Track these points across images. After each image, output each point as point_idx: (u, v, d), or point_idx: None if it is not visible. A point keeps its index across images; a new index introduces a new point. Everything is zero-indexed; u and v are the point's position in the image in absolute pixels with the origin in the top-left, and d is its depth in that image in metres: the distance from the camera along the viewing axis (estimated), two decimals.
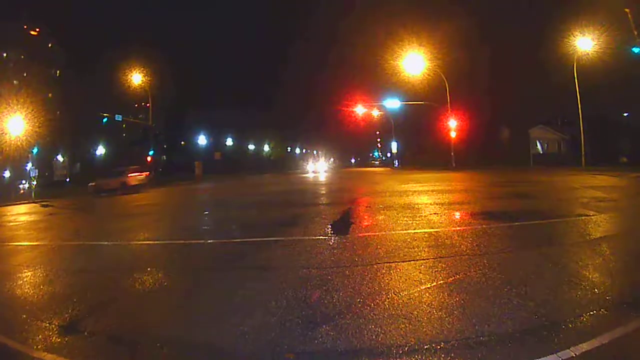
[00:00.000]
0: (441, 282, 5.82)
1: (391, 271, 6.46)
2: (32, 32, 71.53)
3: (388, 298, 5.29)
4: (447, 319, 4.59)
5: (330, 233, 10.10)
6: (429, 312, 4.81)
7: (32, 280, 7.47)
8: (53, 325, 5.18)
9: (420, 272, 6.31)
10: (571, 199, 14.53)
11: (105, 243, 11.27)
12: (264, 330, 4.63)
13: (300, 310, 5.13)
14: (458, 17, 51.65)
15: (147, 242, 11.19)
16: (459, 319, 4.58)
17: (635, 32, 30.91)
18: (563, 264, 6.50)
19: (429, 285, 5.68)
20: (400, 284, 5.81)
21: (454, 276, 6.03)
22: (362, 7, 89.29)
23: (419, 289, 5.55)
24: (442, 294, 5.35)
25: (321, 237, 9.69)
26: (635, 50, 31.78)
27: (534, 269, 6.28)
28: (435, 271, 6.34)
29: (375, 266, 6.81)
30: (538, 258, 6.87)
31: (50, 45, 73.59)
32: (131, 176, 37.19)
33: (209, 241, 10.76)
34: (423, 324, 4.49)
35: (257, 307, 5.35)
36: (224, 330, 4.76)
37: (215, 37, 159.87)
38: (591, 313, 4.65)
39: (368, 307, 5.04)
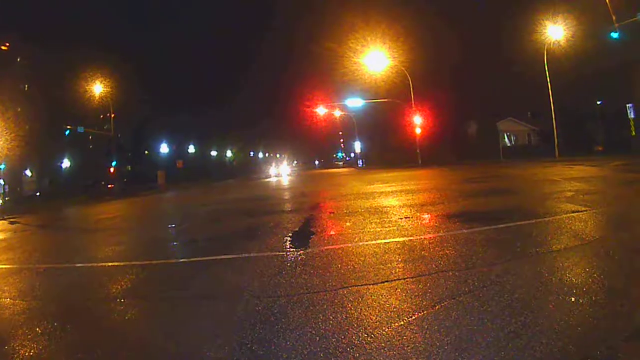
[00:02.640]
0: (425, 312, 4.54)
1: (361, 298, 5.18)
2: (3, 47, 69.52)
3: (358, 341, 3.99)
4: None
5: (290, 247, 8.80)
6: None
7: None
8: None
9: (397, 299, 5.06)
10: (554, 193, 13.52)
11: (51, 266, 9.90)
12: None
13: None
14: (421, 12, 51.34)
15: (89, 264, 9.68)
16: None
17: (614, 17, 30.55)
18: (569, 277, 5.34)
19: (410, 318, 4.40)
20: (374, 318, 4.52)
21: (440, 303, 4.77)
22: (322, 4, 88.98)
23: (398, 325, 4.27)
24: (428, 332, 4.07)
25: (279, 252, 8.39)
26: (614, 35, 31.42)
27: (536, 286, 5.08)
28: (416, 296, 5.08)
29: (340, 292, 5.51)
30: (537, 270, 5.67)
31: (19, 59, 71.64)
32: None
33: (156, 262, 9.37)
34: None
35: None
36: None
37: (175, 41, 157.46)
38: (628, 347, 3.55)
39: (333, 358, 3.75)
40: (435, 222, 10.33)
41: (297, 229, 11.04)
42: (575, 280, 5.18)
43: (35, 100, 61.94)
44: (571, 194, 12.54)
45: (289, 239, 9.77)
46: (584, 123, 41.32)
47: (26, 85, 71.07)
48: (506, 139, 52.81)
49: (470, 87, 48.51)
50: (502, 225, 8.95)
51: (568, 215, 9.36)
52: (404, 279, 5.82)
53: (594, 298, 4.54)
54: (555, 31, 36.26)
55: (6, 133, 42.72)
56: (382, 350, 3.80)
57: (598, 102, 43.14)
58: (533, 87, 40.43)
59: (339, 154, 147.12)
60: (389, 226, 9.96)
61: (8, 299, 6.97)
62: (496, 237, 8.05)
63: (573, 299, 4.55)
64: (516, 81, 42.68)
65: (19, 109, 60.28)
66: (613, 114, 39.46)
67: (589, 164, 25.18)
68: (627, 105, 34.27)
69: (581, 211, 9.59)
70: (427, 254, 7.01)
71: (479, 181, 20.86)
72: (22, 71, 69.71)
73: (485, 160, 41.47)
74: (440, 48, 49.09)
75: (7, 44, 69.87)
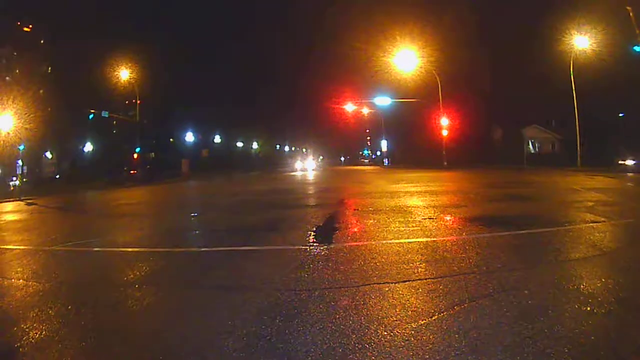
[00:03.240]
0: (444, 313, 4.63)
1: (381, 296, 5.28)
2: (25, 29, 70.35)
3: (377, 339, 4.09)
4: None
5: (313, 242, 8.90)
6: None
7: None
8: None
9: (417, 298, 5.14)
10: (575, 202, 13.47)
11: (68, 249, 10.08)
12: None
13: (263, 357, 3.93)
14: (452, 14, 50.89)
15: (108, 248, 9.97)
16: None
17: (638, 31, 30.22)
18: (586, 286, 5.37)
19: (429, 319, 4.49)
20: (394, 316, 4.62)
21: (460, 304, 4.85)
22: (352, 3, 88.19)
23: (417, 324, 4.37)
24: (447, 333, 4.15)
25: (301, 246, 8.48)
26: (637, 48, 31.06)
27: (554, 293, 5.13)
28: (436, 296, 5.17)
29: (362, 289, 5.62)
30: (555, 278, 5.69)
31: (42, 41, 72.46)
32: None
33: (177, 250, 9.53)
34: None
35: (207, 351, 4.15)
36: None
37: (203, 33, 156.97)
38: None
39: (351, 355, 3.84)
40: (458, 225, 10.34)
41: (320, 224, 11.12)
42: (592, 290, 5.21)
43: (58, 83, 62.52)
44: (591, 204, 12.47)
45: (312, 233, 9.85)
46: (608, 134, 40.85)
47: (49, 68, 71.81)
48: (530, 146, 52.32)
49: (498, 92, 48.13)
50: (523, 232, 8.97)
51: (588, 225, 9.35)
52: (425, 279, 5.91)
53: (608, 309, 4.58)
54: (582, 41, 36.01)
55: (25, 114, 42.60)
56: (401, 349, 3.89)
57: (620, 115, 42.70)
58: (558, 95, 40.11)
59: (365, 152, 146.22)
60: (413, 226, 10.02)
61: (21, 280, 7.14)
62: (517, 242, 8.10)
63: (588, 309, 4.59)
64: (542, 88, 42.26)
65: (41, 91, 61.02)
66: (637, 126, 38.95)
67: (609, 174, 24.93)
68: None
69: (600, 222, 9.58)
70: (448, 256, 7.08)
71: (501, 186, 20.74)
72: (45, 54, 70.49)
73: (509, 165, 41.06)
74: (471, 51, 48.62)
75: (30, 26, 70.69)
